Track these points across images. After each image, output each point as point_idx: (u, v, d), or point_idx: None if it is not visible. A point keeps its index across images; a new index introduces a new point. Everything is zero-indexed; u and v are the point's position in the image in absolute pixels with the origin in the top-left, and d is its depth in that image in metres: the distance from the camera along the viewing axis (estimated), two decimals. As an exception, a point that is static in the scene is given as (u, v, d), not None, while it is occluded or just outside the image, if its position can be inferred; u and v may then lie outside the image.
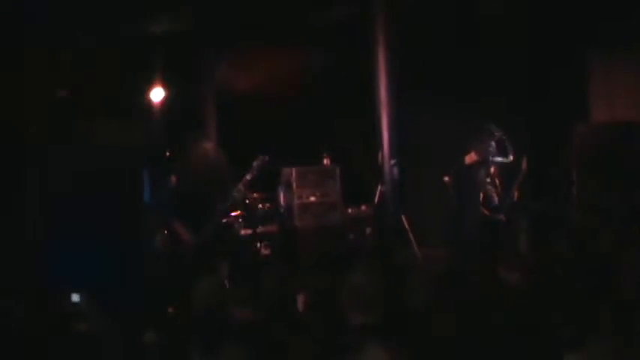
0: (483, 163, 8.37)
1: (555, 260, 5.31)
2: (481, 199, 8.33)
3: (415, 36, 9.30)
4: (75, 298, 8.22)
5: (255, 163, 7.39)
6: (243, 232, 9.29)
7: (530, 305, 4.07)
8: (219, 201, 7.16)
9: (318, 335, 3.82)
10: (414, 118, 9.54)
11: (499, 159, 8.37)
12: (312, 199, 9.78)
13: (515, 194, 8.31)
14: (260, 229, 9.36)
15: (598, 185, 8.92)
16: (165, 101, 9.50)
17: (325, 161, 10.11)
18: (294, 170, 9.72)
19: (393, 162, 8.38)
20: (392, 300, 3.92)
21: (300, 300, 4.82)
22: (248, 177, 7.33)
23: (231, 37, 9.09)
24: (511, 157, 8.33)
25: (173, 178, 6.98)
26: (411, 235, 9.05)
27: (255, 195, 9.39)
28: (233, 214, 9.26)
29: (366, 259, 7.34)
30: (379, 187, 8.92)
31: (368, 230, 9.30)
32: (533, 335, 3.74)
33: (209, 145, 7.41)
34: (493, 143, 8.36)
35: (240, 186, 7.32)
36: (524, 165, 8.22)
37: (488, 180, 8.39)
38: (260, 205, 9.46)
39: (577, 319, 3.74)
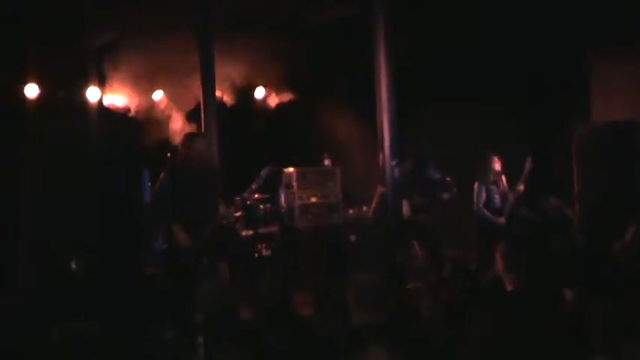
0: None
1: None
2: (484, 200, 8.34)
3: (416, 37, 9.30)
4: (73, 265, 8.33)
5: (263, 172, 7.30)
6: (244, 232, 9.30)
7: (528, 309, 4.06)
8: (213, 201, 7.08)
9: (320, 335, 3.82)
10: (415, 120, 9.54)
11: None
12: (313, 199, 9.79)
13: (522, 188, 8.30)
14: (261, 230, 9.38)
15: (599, 185, 8.94)
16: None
17: (326, 162, 10.12)
18: (295, 171, 9.74)
19: (394, 163, 8.37)
20: (395, 300, 3.92)
21: (300, 300, 4.81)
22: (254, 186, 7.25)
23: (230, 34, 9.08)
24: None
25: (172, 179, 6.91)
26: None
27: (256, 196, 9.40)
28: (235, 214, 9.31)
29: (369, 259, 7.33)
30: (380, 188, 8.90)
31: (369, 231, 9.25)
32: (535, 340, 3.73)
33: (203, 142, 7.22)
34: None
35: (246, 194, 7.27)
36: (528, 165, 8.23)
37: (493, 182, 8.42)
38: (261, 206, 9.46)
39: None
